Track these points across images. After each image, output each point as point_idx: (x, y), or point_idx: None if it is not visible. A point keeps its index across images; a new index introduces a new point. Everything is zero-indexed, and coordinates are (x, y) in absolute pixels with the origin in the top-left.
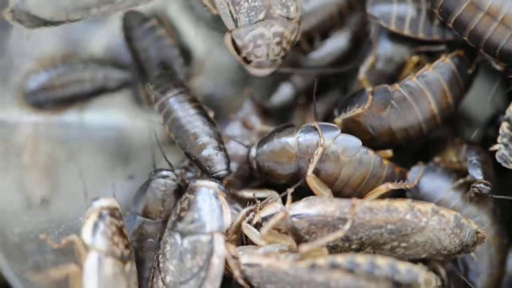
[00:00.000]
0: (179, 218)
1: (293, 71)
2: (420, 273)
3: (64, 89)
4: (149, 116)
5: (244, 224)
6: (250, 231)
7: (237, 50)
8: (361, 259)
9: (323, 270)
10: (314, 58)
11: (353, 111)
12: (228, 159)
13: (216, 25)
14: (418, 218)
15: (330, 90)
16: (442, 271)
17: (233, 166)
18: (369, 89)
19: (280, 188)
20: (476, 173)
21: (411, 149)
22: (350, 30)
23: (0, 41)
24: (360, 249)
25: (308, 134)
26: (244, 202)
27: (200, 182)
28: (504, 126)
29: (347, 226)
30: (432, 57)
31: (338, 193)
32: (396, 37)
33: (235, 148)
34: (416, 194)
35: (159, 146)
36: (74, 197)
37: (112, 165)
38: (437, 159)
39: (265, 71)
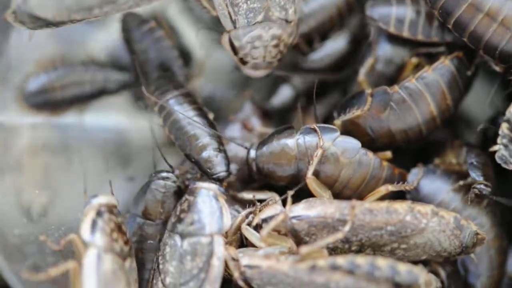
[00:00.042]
0: (179, 220)
1: (288, 74)
2: (421, 274)
3: (64, 91)
4: (149, 118)
5: (244, 226)
6: (250, 233)
7: (234, 50)
8: (362, 260)
9: (324, 271)
10: (314, 59)
11: (353, 113)
12: (228, 160)
13: (216, 26)
14: (418, 220)
15: (330, 92)
16: (442, 272)
17: (233, 167)
18: (368, 91)
19: (280, 190)
20: (476, 175)
21: (410, 150)
22: (350, 32)
23: (0, 43)
24: (360, 250)
25: (307, 136)
26: (244, 204)
27: (200, 184)
28: (504, 127)
29: (347, 228)
30: (431, 58)
31: (338, 195)
32: (395, 39)
33: (235, 150)
34: (416, 196)
35: (158, 148)
36: (74, 199)
37: (112, 166)
38: (437, 160)
39: (260, 73)
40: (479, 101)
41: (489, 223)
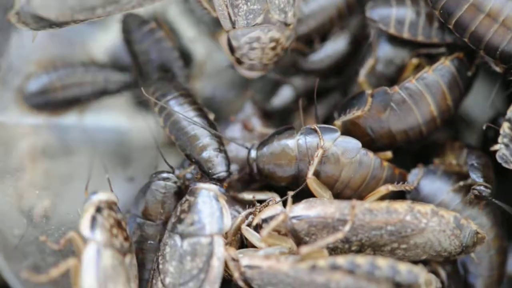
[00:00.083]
0: (179, 220)
1: (283, 78)
2: (421, 273)
3: (65, 91)
4: (149, 119)
5: (244, 226)
6: (250, 234)
7: (232, 50)
8: (362, 260)
9: (324, 271)
10: (313, 60)
11: (353, 113)
12: (228, 160)
13: (216, 27)
14: (418, 220)
15: (330, 93)
16: (442, 272)
17: (234, 168)
18: (368, 91)
19: (280, 191)
20: (477, 176)
21: (411, 151)
22: (350, 32)
23: (0, 43)
24: (360, 250)
25: (308, 136)
26: (244, 204)
27: (200, 185)
28: (505, 126)
29: (347, 228)
30: (432, 59)
31: (338, 195)
32: (395, 40)
33: (236, 150)
34: (416, 196)
35: (159, 149)
36: (74, 199)
37: (112, 167)
38: (436, 161)
39: (255, 74)
40: (479, 101)
41: (489, 223)
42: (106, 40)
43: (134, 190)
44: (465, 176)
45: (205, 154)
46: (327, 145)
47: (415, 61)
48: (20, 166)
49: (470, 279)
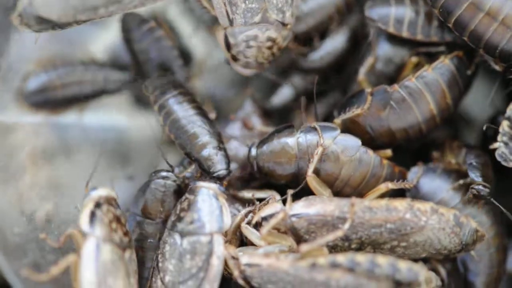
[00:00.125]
0: (179, 219)
1: (279, 80)
2: (421, 271)
3: (64, 90)
4: (148, 117)
5: (243, 225)
6: (249, 232)
7: (228, 46)
8: (362, 258)
9: (324, 269)
10: (313, 59)
11: (353, 112)
12: (228, 159)
13: (215, 23)
14: (418, 217)
15: (330, 91)
16: (442, 270)
17: (233, 166)
18: (368, 90)
19: (280, 189)
20: (475, 175)
21: (411, 149)
22: (349, 28)
23: (0, 42)
24: (359, 248)
25: (308, 134)
26: (244, 202)
27: (200, 183)
28: (504, 124)
29: (346, 225)
30: (431, 58)
31: (338, 193)
32: (395, 39)
33: (235, 149)
34: (415, 194)
35: (159, 148)
36: (74, 197)
37: (111, 165)
38: (435, 154)
39: (250, 72)
40: (479, 100)
41: (489, 222)
42: (105, 39)
43: (134, 188)
44: (465, 175)
45: (204, 152)
46: (327, 143)
47: (414, 59)
48: (20, 165)
49: (470, 277)
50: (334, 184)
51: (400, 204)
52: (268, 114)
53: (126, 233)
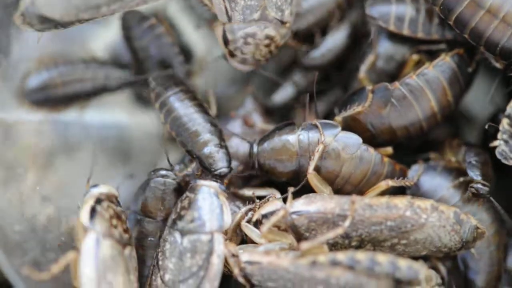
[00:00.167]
0: (179, 217)
1: (277, 79)
2: (421, 269)
3: (65, 87)
4: (149, 115)
5: (244, 223)
6: (249, 230)
7: (226, 42)
8: (362, 256)
9: (324, 267)
10: (314, 56)
11: (353, 109)
12: (229, 156)
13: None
14: (418, 215)
15: (331, 89)
16: (442, 268)
17: (234, 164)
18: (369, 87)
19: (281, 186)
20: (475, 174)
21: (411, 147)
22: (349, 24)
23: (1, 40)
24: (360, 246)
25: (309, 132)
26: (245, 200)
27: (201, 182)
28: (504, 122)
29: (347, 223)
30: (432, 55)
31: (339, 191)
32: (396, 36)
33: (236, 146)
34: (416, 192)
35: (163, 147)
36: (74, 195)
37: (112, 163)
38: (432, 155)
39: (246, 68)
40: (480, 98)
41: (489, 219)
42: (106, 37)
43: (134, 186)
44: (465, 173)
45: (206, 150)
46: (328, 140)
47: (415, 57)
48: (21, 164)
49: (470, 275)
50: (335, 181)
51: (401, 201)
52: (269, 112)
53: (126, 230)
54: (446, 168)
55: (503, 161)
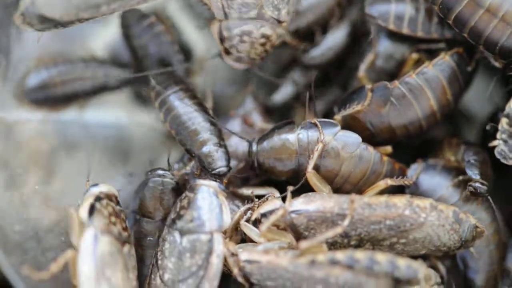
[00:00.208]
0: (179, 216)
1: (274, 80)
2: (420, 269)
3: (65, 86)
4: (149, 114)
5: (243, 222)
6: (248, 229)
7: (221, 39)
8: (361, 255)
9: (323, 266)
10: (314, 55)
11: (353, 108)
12: (228, 155)
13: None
14: (417, 214)
15: (330, 88)
16: (442, 267)
17: (233, 163)
18: (368, 86)
19: (280, 186)
20: (473, 173)
21: (411, 146)
22: (349, 23)
23: (1, 39)
24: (359, 245)
25: (308, 131)
26: (244, 199)
27: (200, 181)
28: (503, 122)
29: (346, 222)
30: (431, 54)
31: (338, 190)
32: (395, 35)
33: (235, 145)
34: (415, 191)
35: (166, 146)
36: (75, 195)
37: (112, 162)
38: (431, 161)
39: (241, 66)
40: (479, 97)
41: (489, 218)
42: (105, 36)
43: (134, 186)
44: (465, 172)
45: (205, 149)
46: (327, 139)
47: (415, 56)
48: (21, 163)
49: (470, 274)
50: (334, 180)
51: (400, 200)
52: (269, 111)
53: (125, 229)
54: (446, 167)
55: (502, 160)
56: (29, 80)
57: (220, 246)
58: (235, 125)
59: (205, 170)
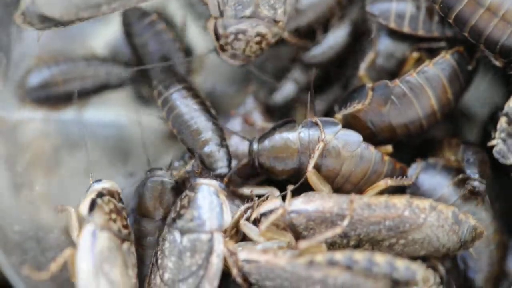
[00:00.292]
0: (179, 215)
1: (272, 81)
2: (418, 270)
3: (66, 85)
4: (150, 113)
5: (242, 221)
6: (248, 229)
7: (217, 36)
8: (359, 256)
9: (321, 266)
10: (316, 54)
11: (354, 107)
12: (229, 155)
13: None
14: (416, 215)
15: (331, 87)
16: (441, 268)
17: (233, 163)
18: (369, 85)
19: (280, 185)
20: (472, 172)
21: (411, 145)
22: (350, 21)
23: (1, 38)
24: (358, 245)
25: (309, 129)
26: (244, 199)
27: (201, 180)
28: (502, 121)
29: (345, 222)
30: (432, 53)
31: (339, 189)
32: (396, 34)
33: (236, 145)
34: (415, 191)
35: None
36: (75, 194)
37: (112, 162)
38: (431, 160)
39: (236, 62)
40: (479, 96)
41: (489, 218)
42: (106, 35)
43: (134, 185)
44: (464, 171)
45: (207, 149)
46: (328, 138)
47: (415, 55)
48: (21, 162)
49: (470, 274)
50: (335, 180)
51: (399, 201)
52: (270, 111)
53: (126, 226)
54: (446, 166)
55: (501, 160)
56: (30, 79)
57: (220, 246)
58: (235, 124)
59: (206, 170)
